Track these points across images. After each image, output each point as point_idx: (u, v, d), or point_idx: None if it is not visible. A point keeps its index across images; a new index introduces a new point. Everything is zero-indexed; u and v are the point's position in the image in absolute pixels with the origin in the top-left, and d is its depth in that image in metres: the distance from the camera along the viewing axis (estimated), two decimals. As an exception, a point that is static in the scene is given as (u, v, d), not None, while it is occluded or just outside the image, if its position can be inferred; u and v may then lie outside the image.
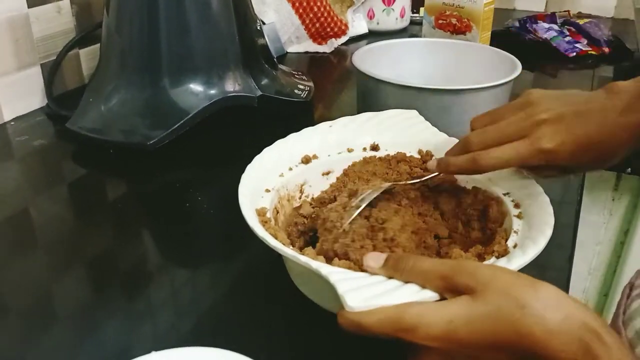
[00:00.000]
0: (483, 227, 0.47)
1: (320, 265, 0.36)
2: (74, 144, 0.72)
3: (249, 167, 0.48)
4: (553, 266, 0.51)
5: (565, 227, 0.57)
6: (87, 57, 0.88)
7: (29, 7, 0.78)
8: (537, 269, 0.38)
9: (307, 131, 0.55)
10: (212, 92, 0.72)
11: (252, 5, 0.78)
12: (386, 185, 0.49)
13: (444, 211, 0.50)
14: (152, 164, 0.68)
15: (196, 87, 0.71)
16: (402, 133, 0.56)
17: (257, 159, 0.49)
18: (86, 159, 0.70)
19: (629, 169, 0.81)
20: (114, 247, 0.54)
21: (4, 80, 0.76)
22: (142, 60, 0.72)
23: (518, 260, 0.38)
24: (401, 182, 0.51)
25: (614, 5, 1.35)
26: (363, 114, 0.58)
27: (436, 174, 0.50)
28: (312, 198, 0.53)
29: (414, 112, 0.59)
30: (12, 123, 0.78)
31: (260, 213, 0.44)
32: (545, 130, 0.45)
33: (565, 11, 1.20)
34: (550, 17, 1.16)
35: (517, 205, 0.46)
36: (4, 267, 0.51)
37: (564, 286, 0.50)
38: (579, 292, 0.97)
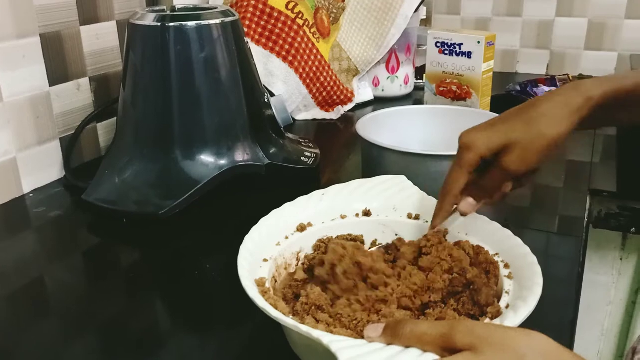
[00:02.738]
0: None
1: (321, 335, 0.38)
2: (89, 215, 0.75)
3: (247, 238, 0.50)
4: (557, 325, 0.51)
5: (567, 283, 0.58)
6: (104, 130, 0.93)
7: (50, 85, 0.83)
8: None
9: (301, 200, 0.57)
10: (222, 162, 0.75)
11: (259, 79, 0.82)
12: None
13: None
14: (164, 233, 0.70)
15: (206, 158, 0.75)
16: (393, 198, 0.58)
17: (255, 230, 0.52)
18: (100, 229, 0.73)
19: (633, 228, 0.82)
20: (125, 314, 0.56)
21: (25, 154, 0.80)
22: (156, 133, 0.76)
23: (511, 320, 0.39)
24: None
25: (613, 67, 1.39)
26: (354, 181, 0.61)
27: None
28: (305, 256, 0.54)
29: (403, 178, 0.61)
30: (31, 195, 0.81)
31: (260, 283, 0.45)
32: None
33: (564, 75, 1.24)
34: (551, 81, 1.20)
35: (507, 266, 0.48)
36: (19, 332, 0.52)
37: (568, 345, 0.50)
38: (593, 355, 0.96)
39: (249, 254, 0.49)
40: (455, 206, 0.54)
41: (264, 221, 0.54)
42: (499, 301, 0.44)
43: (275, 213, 0.55)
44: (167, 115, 0.75)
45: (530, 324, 0.38)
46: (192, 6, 0.82)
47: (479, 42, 0.94)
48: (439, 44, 0.99)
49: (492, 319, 0.41)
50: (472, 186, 0.54)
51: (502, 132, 0.52)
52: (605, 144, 0.96)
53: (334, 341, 0.37)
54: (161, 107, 0.75)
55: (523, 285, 0.44)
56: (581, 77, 1.38)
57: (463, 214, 0.54)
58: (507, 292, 0.45)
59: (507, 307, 0.43)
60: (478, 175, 0.54)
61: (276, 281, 0.50)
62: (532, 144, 0.51)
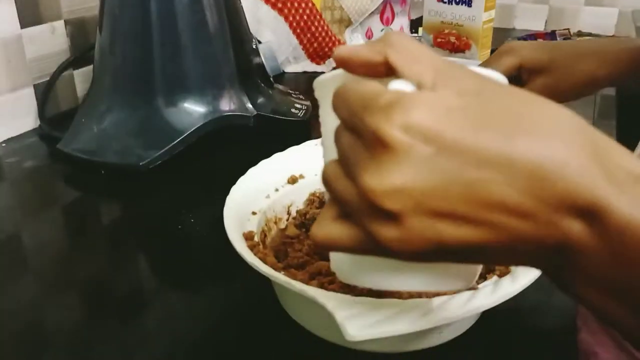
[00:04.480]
0: None
1: (316, 292, 0.34)
2: (66, 166, 0.71)
3: (233, 189, 0.46)
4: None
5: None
6: (82, 78, 0.87)
7: (22, 27, 0.77)
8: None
9: (292, 150, 0.53)
10: (207, 111, 0.70)
11: (247, 24, 0.77)
12: None
13: None
14: (145, 185, 0.66)
15: (190, 106, 0.70)
16: None
17: (242, 181, 0.48)
18: (78, 181, 0.69)
19: None
20: (106, 272, 0.52)
21: (-4, 101, 0.75)
22: (136, 80, 0.71)
23: (522, 279, 0.36)
24: None
25: (614, 23, 1.34)
26: None
27: None
28: (297, 211, 0.51)
29: None
30: (4, 145, 0.76)
31: (248, 237, 0.42)
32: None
33: (565, 29, 1.20)
34: (550, 35, 1.15)
35: None
36: (-10, 293, 0.49)
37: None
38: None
39: (235, 206, 0.45)
40: None
41: (252, 171, 0.50)
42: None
43: (264, 163, 0.51)
44: (147, 61, 0.69)
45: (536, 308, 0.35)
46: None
47: (480, -11, 0.88)
48: (437, -9, 0.94)
49: (500, 276, 0.38)
50: None
51: (550, 50, 0.50)
52: (602, 104, 0.93)
53: (330, 299, 0.34)
54: (141, 52, 0.70)
55: None
56: (580, 33, 1.33)
57: None
58: None
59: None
60: None
61: (265, 236, 0.47)
62: (571, 75, 0.49)
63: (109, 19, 0.71)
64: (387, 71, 0.26)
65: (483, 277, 0.39)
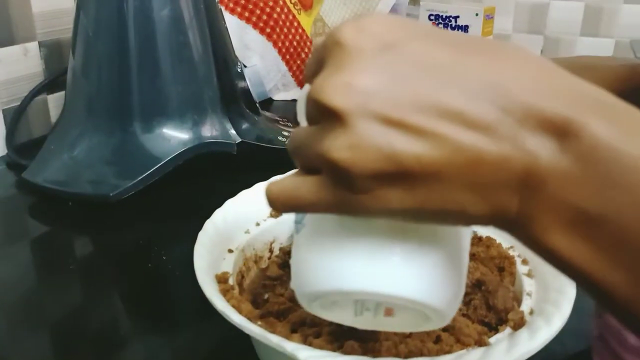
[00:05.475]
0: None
1: (297, 350, 0.29)
2: (32, 197, 0.65)
3: (208, 223, 0.41)
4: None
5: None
6: (56, 103, 0.82)
7: (-9, 48, 0.72)
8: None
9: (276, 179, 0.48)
10: (187, 138, 0.65)
11: (232, 47, 0.72)
12: None
13: None
14: (118, 217, 0.60)
15: (169, 132, 0.65)
16: None
17: (219, 213, 0.42)
18: (45, 213, 0.63)
19: None
20: (73, 312, 0.46)
21: (-41, 126, 0.70)
22: (111, 105, 0.66)
23: (543, 332, 0.30)
24: None
25: (610, 54, 1.32)
26: None
27: None
28: (281, 249, 0.45)
29: None
30: (-33, 173, 0.71)
31: (222, 279, 0.36)
32: None
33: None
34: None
35: (524, 262, 0.39)
36: None
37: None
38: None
39: (209, 242, 0.39)
40: None
41: (230, 204, 0.44)
42: (519, 305, 0.36)
43: (244, 194, 0.46)
44: (124, 84, 0.64)
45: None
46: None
47: (477, 15, 0.85)
48: (432, 17, 0.90)
49: (514, 328, 0.32)
50: None
51: None
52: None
53: (311, 357, 0.28)
54: (117, 76, 0.65)
55: (549, 286, 0.35)
56: (576, 63, 1.31)
57: None
58: (528, 294, 0.36)
59: (531, 312, 0.34)
60: None
61: (243, 277, 0.41)
62: None
63: (83, 41, 0.66)
64: None
65: (494, 329, 0.34)
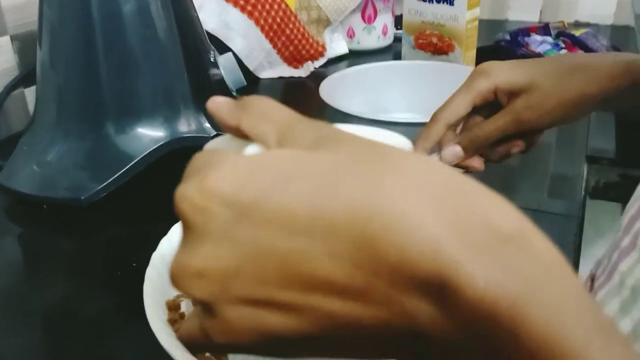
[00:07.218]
0: None
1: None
2: (10, 198, 0.65)
3: (163, 241, 0.39)
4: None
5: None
6: (34, 96, 0.80)
7: (-40, 45, 0.71)
8: None
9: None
10: (160, 135, 0.64)
11: (204, 34, 0.70)
12: None
13: None
14: (90, 222, 0.60)
15: (142, 130, 0.64)
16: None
17: (175, 231, 0.41)
18: (21, 215, 0.63)
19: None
20: (53, 312, 0.46)
21: None
22: (82, 100, 0.64)
23: None
24: None
25: (612, 12, 1.27)
26: None
27: None
28: None
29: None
30: (-57, 175, 0.70)
31: (172, 306, 0.35)
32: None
33: (559, 22, 1.12)
34: (544, 29, 1.07)
35: None
36: None
37: None
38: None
39: (164, 264, 0.38)
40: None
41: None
42: None
43: None
44: (92, 76, 0.63)
45: None
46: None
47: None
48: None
49: None
50: (467, 134, 0.46)
51: (528, 69, 0.45)
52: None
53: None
54: (84, 67, 0.63)
55: None
56: (577, 23, 1.26)
57: (445, 162, 0.46)
58: None
59: None
60: (480, 122, 0.47)
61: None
62: (557, 93, 0.44)
63: (48, 32, 0.64)
64: (245, 135, 0.24)
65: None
